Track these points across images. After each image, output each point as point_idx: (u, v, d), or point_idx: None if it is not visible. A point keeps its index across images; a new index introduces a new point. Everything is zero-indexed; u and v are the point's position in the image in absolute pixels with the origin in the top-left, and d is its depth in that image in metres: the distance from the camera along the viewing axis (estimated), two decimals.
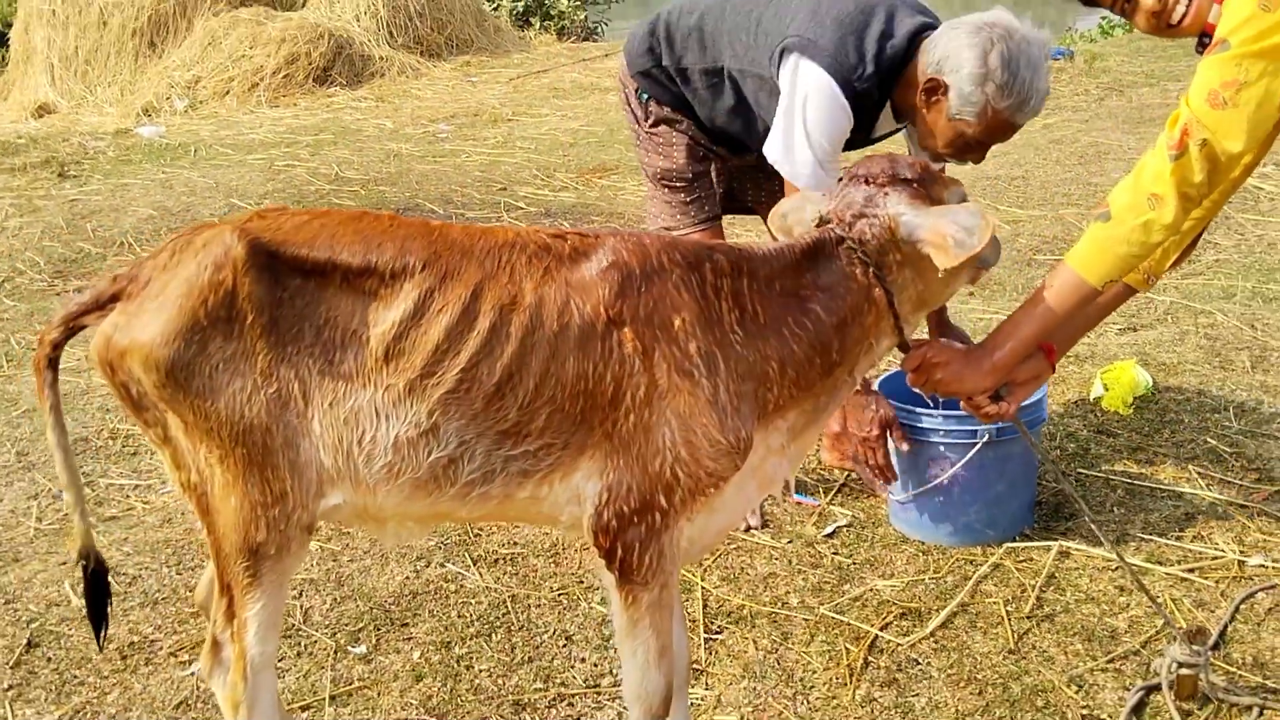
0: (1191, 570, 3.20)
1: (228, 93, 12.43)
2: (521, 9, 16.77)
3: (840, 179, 2.30)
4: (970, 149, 3.01)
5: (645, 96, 3.55)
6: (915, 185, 2.21)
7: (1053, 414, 4.12)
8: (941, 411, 3.25)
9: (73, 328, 2.07)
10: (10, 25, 14.69)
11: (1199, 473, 3.68)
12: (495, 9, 16.58)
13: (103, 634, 2.26)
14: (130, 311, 1.97)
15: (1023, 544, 3.36)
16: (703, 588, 3.24)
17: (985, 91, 2.82)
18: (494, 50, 14.50)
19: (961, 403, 2.53)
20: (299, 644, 3.08)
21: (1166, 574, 3.19)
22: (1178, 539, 3.35)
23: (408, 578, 3.33)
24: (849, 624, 3.06)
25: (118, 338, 1.97)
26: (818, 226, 2.24)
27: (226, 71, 12.64)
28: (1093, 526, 2.92)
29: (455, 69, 13.43)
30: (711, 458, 2.05)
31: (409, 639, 3.08)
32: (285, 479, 1.98)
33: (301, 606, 3.23)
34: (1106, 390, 4.17)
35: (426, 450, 1.98)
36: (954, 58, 2.86)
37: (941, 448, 3.28)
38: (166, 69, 12.88)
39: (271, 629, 2.13)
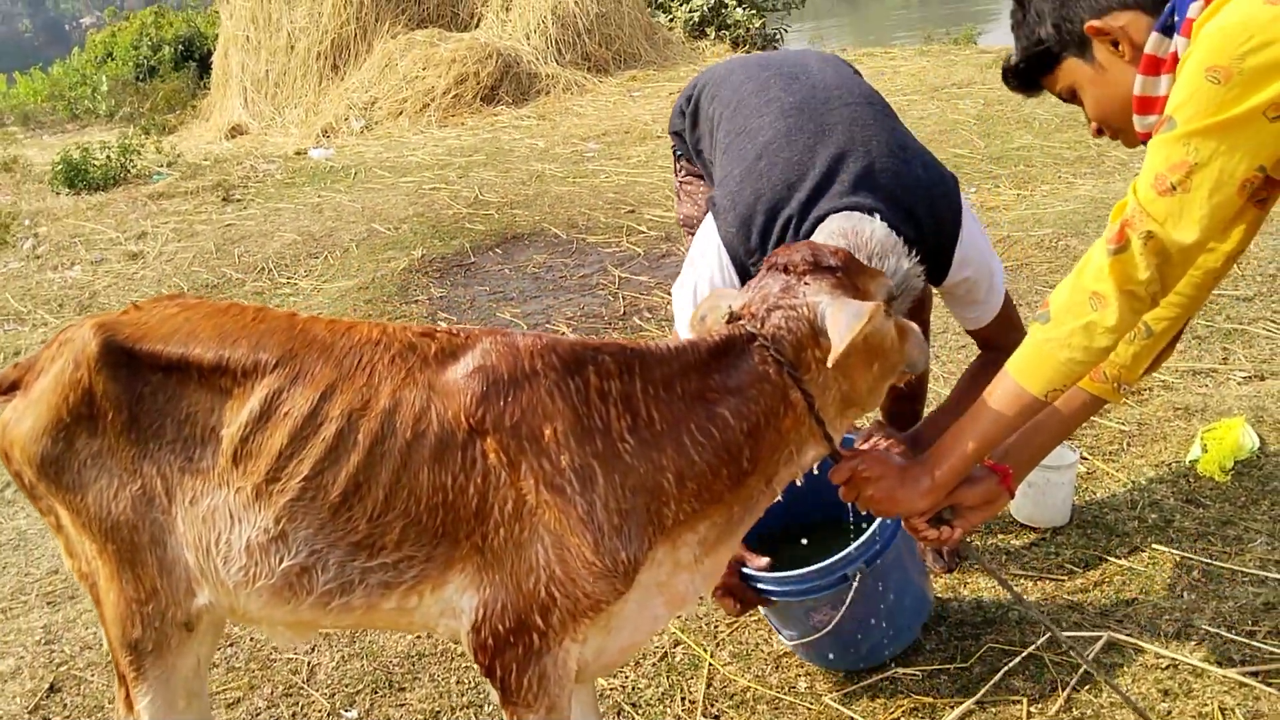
0: (1254, 673, 2.83)
1: (400, 113, 12.87)
2: (697, 19, 16.72)
3: (761, 269, 2.11)
4: None
5: (678, 153, 3.52)
6: (839, 274, 2.01)
7: (1140, 479, 3.76)
8: (799, 571, 2.74)
9: None
10: (212, 51, 15.65)
11: None
12: (670, 20, 16.60)
13: None
14: (17, 403, 1.99)
15: (1070, 632, 3.05)
16: (710, 665, 3.08)
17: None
18: (662, 63, 14.50)
19: (902, 522, 2.27)
20: (296, 703, 3.09)
21: (1224, 676, 2.84)
22: (1249, 634, 2.97)
23: (417, 638, 3.29)
24: (852, 717, 2.85)
25: (7, 428, 2.00)
26: (728, 323, 2.06)
27: (400, 92, 13.08)
28: (1008, 585, 2.61)
29: (620, 84, 13.48)
30: (588, 580, 1.90)
31: (402, 705, 3.04)
32: (155, 576, 1.97)
33: (309, 663, 3.24)
34: (1205, 452, 3.77)
35: (277, 557, 1.92)
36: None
37: (811, 601, 2.81)
38: (346, 90, 13.43)
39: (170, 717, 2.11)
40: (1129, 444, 4.01)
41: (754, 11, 16.79)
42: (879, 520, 2.53)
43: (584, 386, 1.93)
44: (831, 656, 3.00)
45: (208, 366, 1.93)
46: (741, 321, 2.04)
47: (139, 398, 1.93)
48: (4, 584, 3.89)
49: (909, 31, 21.69)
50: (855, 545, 2.67)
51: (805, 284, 2.00)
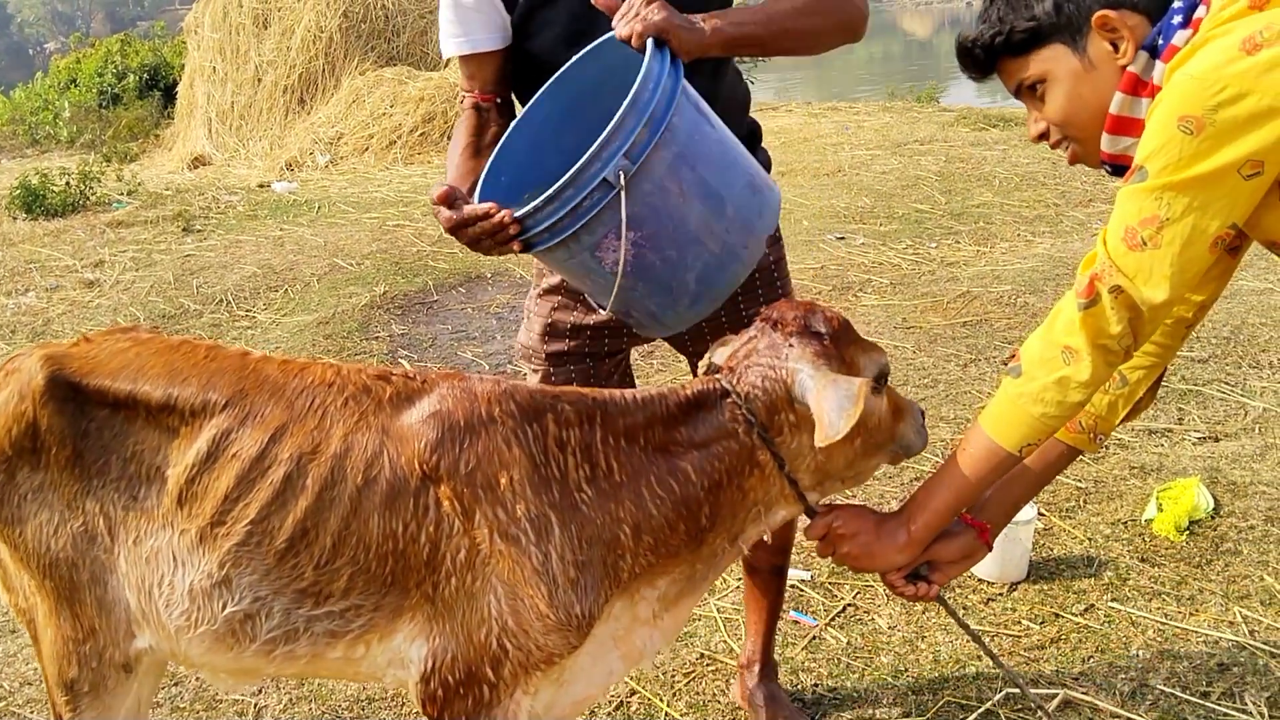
0: None
1: (366, 149, 12.84)
2: None
3: (756, 320, 2.09)
4: None
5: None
6: (825, 341, 1.96)
7: (1096, 536, 3.78)
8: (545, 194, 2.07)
9: None
10: (178, 81, 15.56)
11: (1245, 616, 3.29)
12: None
13: None
14: None
15: (1032, 689, 3.05)
16: (667, 714, 3.05)
17: None
18: None
19: (880, 577, 2.24)
20: None
21: None
22: (1203, 694, 2.98)
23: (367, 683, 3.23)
24: None
25: None
26: (707, 374, 2.04)
27: (367, 129, 13.06)
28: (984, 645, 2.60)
29: None
30: (541, 632, 1.85)
31: None
32: (93, 616, 1.91)
33: (256, 705, 3.16)
34: (1160, 511, 3.80)
35: (220, 603, 1.87)
36: None
37: (587, 237, 2.10)
38: (312, 125, 13.38)
39: None
40: (1085, 501, 4.03)
41: None
42: (634, 93, 1.96)
43: (542, 434, 1.90)
44: (664, 312, 2.21)
45: (156, 404, 1.88)
46: (719, 375, 2.02)
47: (84, 433, 1.88)
48: None
49: (872, 88, 21.97)
50: (605, 132, 1.96)
51: (789, 345, 1.97)
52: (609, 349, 2.71)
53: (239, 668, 1.96)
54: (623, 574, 1.92)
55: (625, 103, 1.97)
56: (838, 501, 2.31)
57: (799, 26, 2.31)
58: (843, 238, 7.85)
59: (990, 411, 1.96)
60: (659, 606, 2.02)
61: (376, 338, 6.36)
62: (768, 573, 2.92)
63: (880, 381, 2.03)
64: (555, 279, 2.68)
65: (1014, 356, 1.92)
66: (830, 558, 2.13)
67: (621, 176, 1.97)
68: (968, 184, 9.23)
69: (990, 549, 2.19)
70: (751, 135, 2.68)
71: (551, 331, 2.69)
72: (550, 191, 2.01)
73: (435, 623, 1.87)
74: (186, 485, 1.85)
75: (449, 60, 12.99)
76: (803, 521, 2.14)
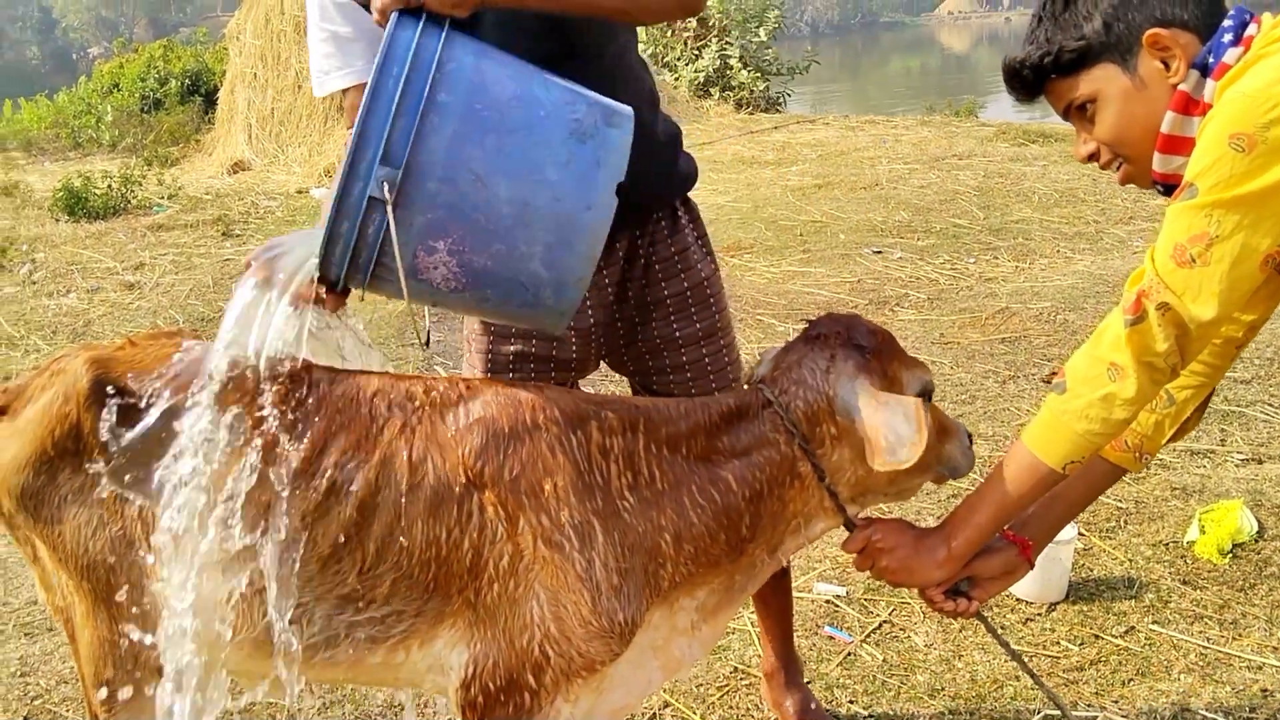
0: None
1: None
2: (702, 80, 16.87)
3: (800, 334, 2.08)
4: None
5: None
6: (868, 356, 1.96)
7: (1137, 557, 3.73)
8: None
9: None
10: (219, 87, 15.72)
11: None
12: (676, 79, 16.74)
13: None
14: (2, 430, 1.94)
15: (1072, 711, 3.00)
16: None
17: None
18: None
19: (919, 593, 2.22)
20: None
21: None
22: None
23: None
24: None
25: None
26: (749, 384, 2.03)
27: None
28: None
29: None
30: (584, 639, 1.85)
31: None
32: (132, 618, 1.90)
33: (289, 709, 3.17)
34: (1203, 533, 3.75)
35: (262, 609, 1.86)
36: None
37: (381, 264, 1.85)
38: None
39: None
40: (1126, 521, 3.98)
41: (758, 75, 16.95)
42: (371, 86, 1.70)
43: (586, 441, 1.89)
44: (538, 306, 1.89)
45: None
46: (761, 385, 2.01)
47: (125, 436, 1.88)
48: None
49: (908, 102, 21.92)
50: (350, 143, 1.71)
51: (832, 358, 1.97)
52: (557, 380, 2.56)
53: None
54: (663, 582, 1.92)
55: (363, 101, 1.70)
56: (876, 516, 2.29)
57: None
58: (880, 251, 7.82)
59: (1034, 427, 1.94)
60: (698, 616, 2.01)
61: (412, 345, 6.38)
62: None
63: (924, 398, 2.01)
64: None
65: (1058, 373, 1.91)
66: (868, 572, 2.11)
67: (385, 188, 1.69)
68: (1007, 199, 9.17)
69: (1032, 566, 2.17)
70: (671, 137, 2.55)
71: (493, 365, 2.56)
72: (326, 231, 1.76)
73: (477, 628, 1.87)
74: (229, 491, 1.84)
75: None
76: (840, 534, 2.12)
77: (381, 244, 1.74)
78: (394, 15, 1.76)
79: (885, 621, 3.47)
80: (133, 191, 10.46)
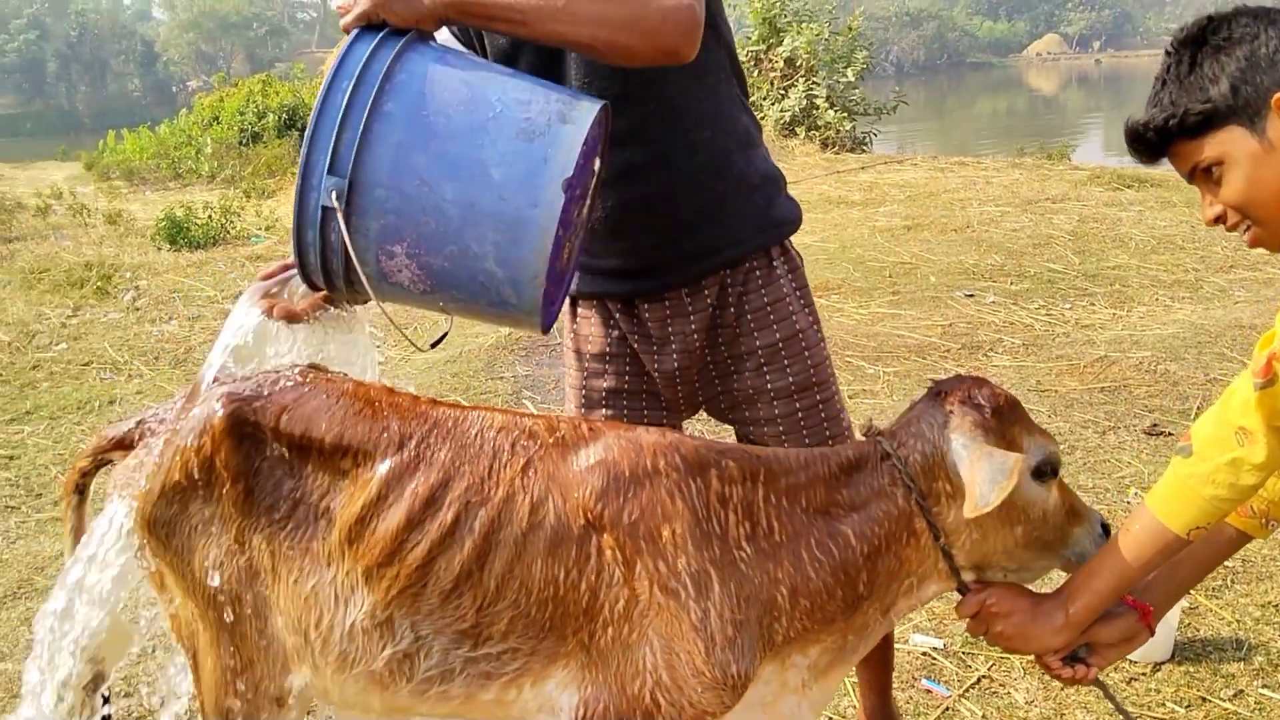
0: None
1: None
2: (788, 119, 16.91)
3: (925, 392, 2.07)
4: None
5: None
6: (985, 415, 1.94)
7: (1245, 618, 3.62)
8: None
9: (100, 461, 2.12)
10: None
11: None
12: (761, 118, 16.79)
13: None
14: (142, 460, 2.00)
15: None
16: None
17: None
18: None
19: (1036, 659, 2.17)
20: None
21: None
22: None
23: None
24: None
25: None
26: (866, 435, 2.02)
27: None
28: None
29: None
30: (696, 689, 1.83)
31: None
32: (253, 649, 1.94)
33: None
34: None
35: (381, 642, 1.88)
36: None
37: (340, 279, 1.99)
38: None
39: None
40: (1233, 581, 3.87)
41: (844, 114, 16.95)
42: (320, 100, 1.81)
43: (705, 489, 1.89)
44: (504, 305, 1.96)
45: (329, 446, 1.92)
46: (880, 438, 2.00)
47: (257, 471, 1.92)
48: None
49: (995, 141, 21.71)
50: (302, 155, 1.82)
51: (950, 414, 1.95)
52: (650, 418, 2.55)
53: (392, 706, 1.98)
54: (777, 637, 1.90)
55: (312, 113, 1.82)
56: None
57: (574, 9, 1.92)
58: (972, 295, 7.73)
59: (1158, 492, 1.89)
60: (809, 675, 1.98)
61: (501, 378, 6.44)
62: None
63: (1048, 470, 1.98)
64: (580, 336, 2.54)
65: (1186, 435, 1.87)
66: (983, 636, 2.07)
67: (334, 196, 1.80)
68: (1102, 245, 9.03)
69: (1152, 633, 2.11)
70: (767, 179, 2.49)
71: (587, 401, 2.56)
72: (293, 240, 1.89)
73: (589, 671, 1.87)
74: (355, 526, 1.87)
75: None
76: (954, 598, 2.09)
77: (344, 258, 1.86)
78: (355, 31, 1.86)
79: (984, 676, 3.40)
80: (232, 222, 10.75)
